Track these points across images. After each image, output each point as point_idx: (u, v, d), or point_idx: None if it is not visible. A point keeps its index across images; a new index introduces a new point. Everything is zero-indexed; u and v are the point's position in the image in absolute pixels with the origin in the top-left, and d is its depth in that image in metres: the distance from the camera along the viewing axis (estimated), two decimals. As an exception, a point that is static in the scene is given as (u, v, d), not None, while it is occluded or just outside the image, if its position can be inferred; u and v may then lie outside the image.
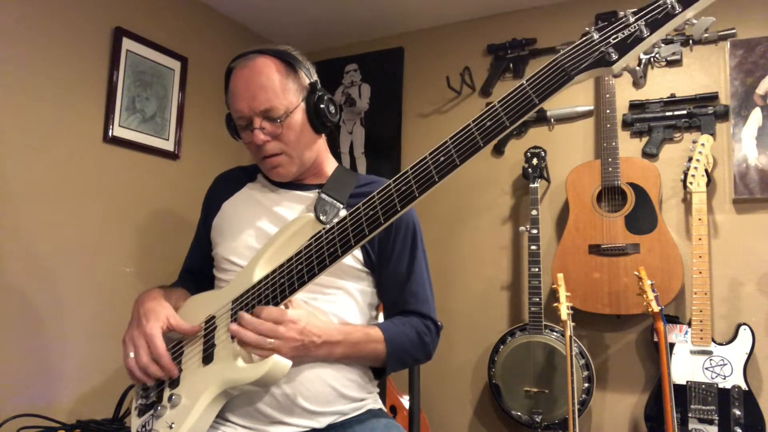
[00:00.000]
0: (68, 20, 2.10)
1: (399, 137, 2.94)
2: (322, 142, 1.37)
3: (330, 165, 1.40)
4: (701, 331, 2.10)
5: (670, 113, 2.38)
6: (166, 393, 1.17)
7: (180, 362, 1.19)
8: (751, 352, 2.06)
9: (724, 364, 2.06)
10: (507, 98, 0.94)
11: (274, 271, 1.13)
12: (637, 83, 0.87)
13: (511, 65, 2.73)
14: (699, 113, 2.32)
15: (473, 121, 0.96)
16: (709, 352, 2.08)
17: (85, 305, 2.12)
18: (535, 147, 2.48)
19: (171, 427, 1.10)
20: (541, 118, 2.63)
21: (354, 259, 1.25)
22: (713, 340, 2.09)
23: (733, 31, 2.28)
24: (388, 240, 1.28)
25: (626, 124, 2.46)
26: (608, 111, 2.35)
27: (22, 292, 1.93)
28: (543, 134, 2.64)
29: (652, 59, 0.93)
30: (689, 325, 2.13)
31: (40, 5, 2.00)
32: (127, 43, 2.29)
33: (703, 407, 2.05)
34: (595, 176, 2.35)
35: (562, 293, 2.15)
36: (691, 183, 2.17)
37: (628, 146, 2.45)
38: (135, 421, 1.22)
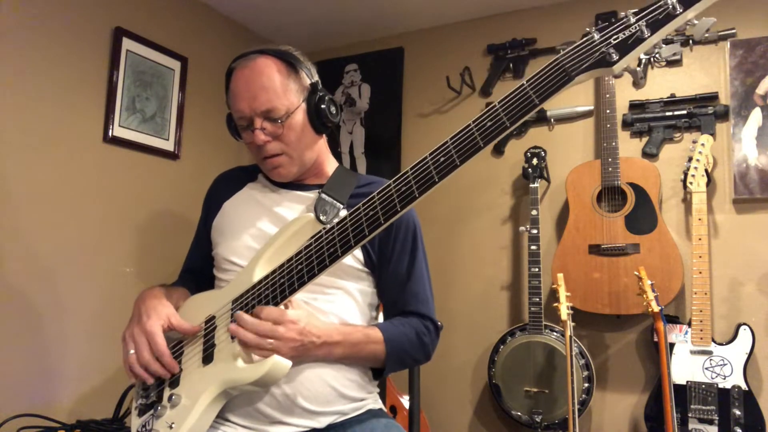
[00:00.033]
0: (68, 20, 2.09)
1: (399, 137, 2.94)
2: (322, 143, 1.37)
3: (330, 165, 1.40)
4: (701, 331, 2.10)
5: (670, 113, 2.38)
6: (166, 393, 1.17)
7: (180, 362, 1.19)
8: (751, 352, 2.06)
9: (724, 364, 2.06)
10: (507, 99, 0.94)
11: (274, 272, 1.13)
12: (638, 83, 0.87)
13: (511, 65, 2.73)
14: (699, 113, 2.32)
15: (473, 122, 0.96)
16: (709, 352, 2.08)
17: (85, 305, 2.12)
18: (535, 147, 2.48)
19: (171, 427, 1.10)
20: (541, 118, 2.63)
21: (354, 259, 1.25)
22: (713, 340, 2.09)
23: (733, 31, 2.28)
24: (389, 240, 1.28)
25: (626, 124, 2.46)
26: (608, 111, 2.35)
27: (22, 292, 1.93)
28: (543, 134, 2.64)
29: (652, 59, 0.93)
30: (689, 325, 2.13)
31: (40, 5, 2.00)
32: (127, 43, 2.29)
33: (703, 407, 2.05)
34: (595, 176, 2.35)
35: (562, 293, 2.15)
36: (691, 183, 2.17)
37: (628, 146, 2.45)
38: (135, 421, 1.22)
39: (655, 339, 2.06)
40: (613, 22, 0.90)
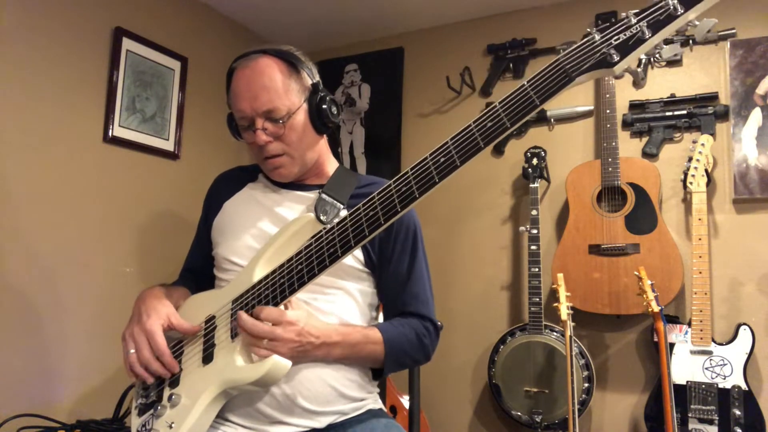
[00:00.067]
0: (68, 20, 2.09)
1: (399, 137, 2.94)
2: (323, 143, 1.37)
3: (331, 165, 1.40)
4: (701, 331, 2.10)
5: (670, 113, 2.38)
6: (166, 392, 1.17)
7: (180, 362, 1.19)
8: (751, 352, 2.06)
9: (724, 364, 2.06)
10: (508, 99, 0.94)
11: (274, 272, 1.13)
12: (639, 84, 0.87)
13: (511, 65, 2.73)
14: (699, 113, 2.32)
15: (474, 122, 0.96)
16: (709, 352, 2.08)
17: (85, 305, 2.12)
18: (535, 147, 2.48)
19: (171, 427, 1.10)
20: (541, 118, 2.63)
21: (354, 259, 1.25)
22: (713, 340, 2.09)
23: (733, 31, 2.28)
24: (389, 241, 1.28)
25: (626, 124, 2.46)
26: (608, 111, 2.35)
27: (22, 292, 1.93)
28: (543, 134, 2.64)
29: (652, 59, 0.93)
30: (689, 325, 2.13)
31: (40, 5, 2.00)
32: (127, 43, 2.29)
33: (703, 407, 2.05)
34: (595, 176, 2.35)
35: (562, 293, 2.15)
36: (691, 183, 2.17)
37: (628, 146, 2.45)
38: (135, 421, 1.22)
39: (655, 339, 2.06)
40: (614, 23, 0.90)
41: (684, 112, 2.35)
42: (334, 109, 1.30)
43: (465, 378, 2.66)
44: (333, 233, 1.07)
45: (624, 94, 2.46)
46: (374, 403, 1.31)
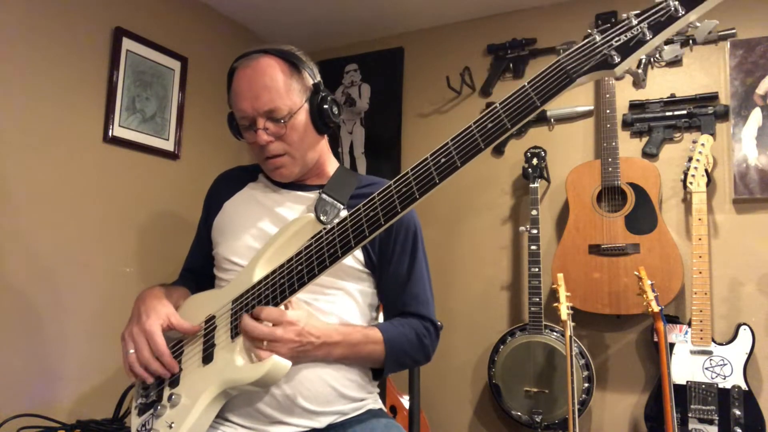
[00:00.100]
0: (68, 20, 2.09)
1: (399, 137, 2.94)
2: (324, 143, 1.37)
3: (331, 165, 1.40)
4: (701, 331, 2.10)
5: (670, 113, 2.38)
6: (166, 392, 1.17)
7: (180, 361, 1.19)
8: (751, 352, 2.06)
9: (724, 364, 2.06)
10: (508, 100, 0.94)
11: (274, 272, 1.13)
12: (640, 85, 0.86)
13: (511, 65, 2.73)
14: (699, 113, 2.32)
15: (474, 123, 0.96)
16: (709, 352, 2.09)
17: (85, 305, 2.12)
18: (535, 147, 2.48)
19: (171, 427, 1.10)
20: (541, 118, 2.63)
21: (354, 259, 1.25)
22: (713, 340, 2.09)
23: (733, 31, 2.28)
24: (389, 241, 1.28)
25: (626, 124, 2.46)
26: (608, 111, 2.35)
27: (22, 292, 1.93)
28: (543, 134, 2.64)
29: (652, 60, 0.93)
30: (689, 325, 2.13)
31: (40, 5, 2.00)
32: (127, 43, 2.29)
33: (703, 407, 2.05)
34: (595, 176, 2.35)
35: (562, 293, 2.15)
36: (691, 183, 2.17)
37: (628, 146, 2.45)
38: (135, 420, 1.22)
39: (655, 339, 2.06)
40: (615, 24, 0.89)
41: (684, 112, 2.35)
42: (335, 109, 1.30)
43: (465, 378, 2.67)
44: (333, 234, 1.07)
45: (624, 94, 2.46)
46: (374, 403, 1.31)
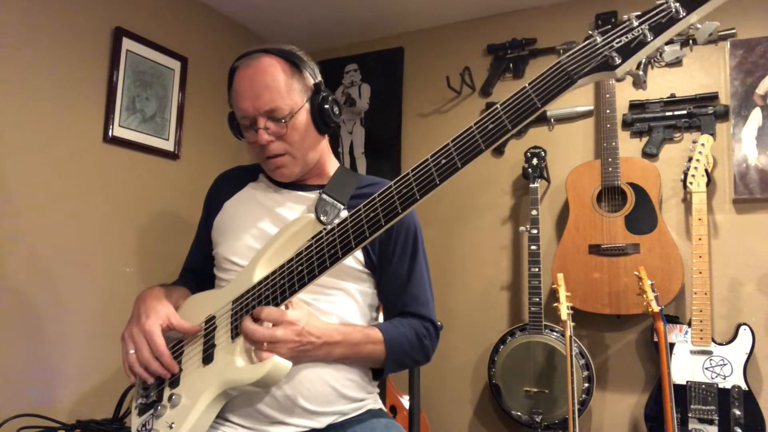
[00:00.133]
0: (68, 20, 2.09)
1: (399, 137, 2.94)
2: (325, 143, 1.37)
3: (332, 165, 1.39)
4: (701, 331, 2.10)
5: (670, 113, 2.38)
6: (166, 392, 1.17)
7: (180, 362, 1.19)
8: (751, 352, 2.06)
9: (724, 364, 2.06)
10: (509, 101, 0.93)
11: (274, 272, 1.13)
12: (641, 86, 0.86)
13: (511, 65, 2.72)
14: (699, 113, 2.32)
15: (475, 124, 0.95)
16: (709, 352, 2.09)
17: (85, 305, 2.12)
18: (535, 147, 2.48)
19: (171, 427, 1.10)
20: (541, 118, 2.63)
21: (355, 260, 1.25)
22: (713, 340, 2.09)
23: (733, 31, 2.28)
24: (389, 242, 1.28)
25: (626, 124, 2.46)
26: (608, 111, 2.35)
27: (22, 292, 1.93)
28: (543, 134, 2.64)
29: (652, 60, 0.93)
30: (689, 325, 2.13)
31: (40, 5, 2.00)
32: (127, 43, 2.28)
33: (703, 407, 2.05)
34: (595, 176, 2.35)
35: (562, 293, 2.15)
36: (691, 183, 2.17)
37: (628, 146, 2.45)
38: (135, 420, 1.22)
39: (655, 339, 2.06)
40: (616, 25, 0.89)
41: (684, 112, 2.35)
42: (336, 109, 1.30)
43: (465, 378, 2.67)
44: (333, 234, 1.07)
45: (624, 94, 2.46)
46: (374, 403, 1.31)
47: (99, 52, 2.21)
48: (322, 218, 1.19)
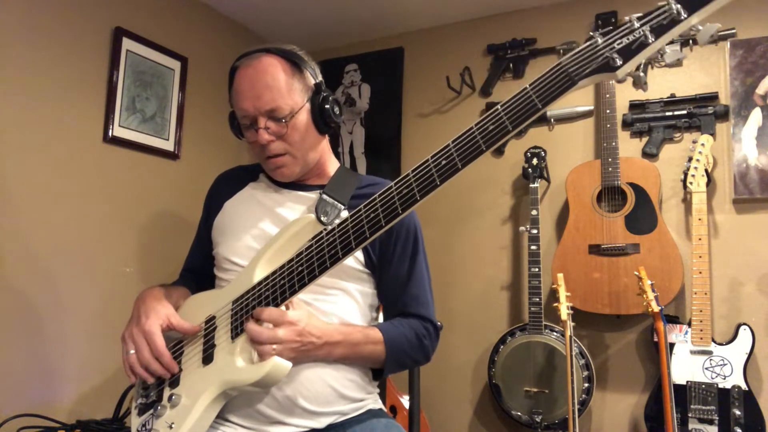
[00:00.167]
0: (68, 20, 2.09)
1: (399, 137, 2.94)
2: (325, 143, 1.37)
3: (332, 165, 1.39)
4: (701, 331, 2.10)
5: (670, 113, 2.38)
6: (166, 392, 1.17)
7: (180, 362, 1.19)
8: (751, 352, 2.06)
9: (724, 364, 2.06)
10: (510, 102, 0.93)
11: (274, 272, 1.12)
12: (642, 88, 0.86)
13: (511, 65, 2.72)
14: (699, 113, 2.32)
15: (476, 125, 0.95)
16: (709, 352, 2.09)
17: (85, 305, 2.12)
18: (535, 147, 2.48)
19: (171, 427, 1.10)
20: (541, 118, 2.62)
21: (355, 260, 1.25)
22: (713, 340, 2.09)
23: (733, 31, 2.28)
24: (389, 243, 1.28)
25: (626, 124, 2.46)
26: (608, 111, 2.35)
27: (22, 292, 1.93)
28: (543, 134, 2.64)
29: (652, 61, 0.93)
30: (689, 325, 2.13)
31: (40, 5, 2.00)
32: (127, 43, 2.28)
33: (703, 407, 2.05)
34: (595, 176, 2.35)
35: (562, 293, 2.15)
36: (691, 183, 2.17)
37: (628, 146, 2.45)
38: (135, 420, 1.22)
39: (655, 339, 2.07)
40: (617, 27, 0.89)
41: (684, 112, 2.35)
42: (336, 109, 1.30)
43: (465, 378, 2.67)
44: (334, 235, 1.07)
45: (624, 94, 2.46)
46: (374, 403, 1.31)
47: (99, 52, 2.21)
48: (322, 218, 1.19)
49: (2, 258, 1.88)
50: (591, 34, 0.90)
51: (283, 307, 1.10)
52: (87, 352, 2.11)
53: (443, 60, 2.89)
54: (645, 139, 2.43)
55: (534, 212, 2.38)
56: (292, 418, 1.15)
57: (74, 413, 2.03)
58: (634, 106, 2.45)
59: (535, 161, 2.44)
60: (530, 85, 0.93)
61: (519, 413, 2.31)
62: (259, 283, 1.14)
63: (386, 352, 1.23)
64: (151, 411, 1.18)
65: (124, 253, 2.29)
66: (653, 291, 2.02)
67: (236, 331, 1.12)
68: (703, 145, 2.19)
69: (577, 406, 2.08)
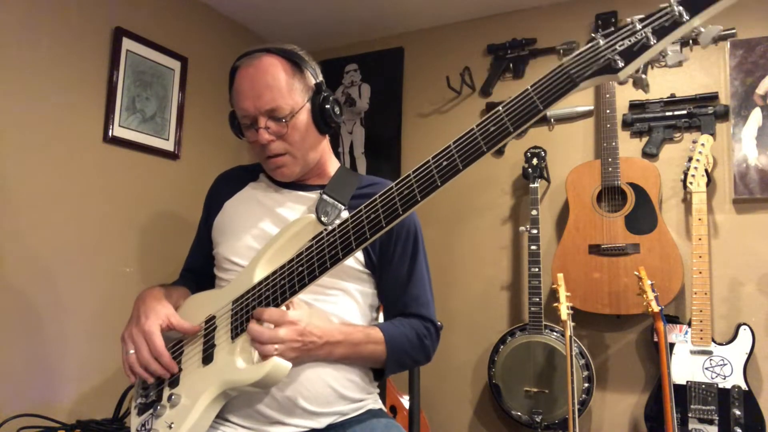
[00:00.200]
0: (68, 20, 2.09)
1: (399, 137, 2.94)
2: (325, 143, 1.37)
3: (332, 165, 1.39)
4: (701, 331, 2.10)
5: (670, 113, 2.38)
6: (166, 392, 1.17)
7: (180, 362, 1.19)
8: (751, 352, 2.06)
9: (724, 364, 2.06)
10: (511, 103, 0.94)
11: (274, 272, 1.12)
12: (643, 89, 0.85)
13: (511, 65, 2.72)
14: (699, 113, 2.32)
15: (477, 126, 0.95)
16: (709, 352, 2.09)
17: (85, 305, 2.12)
18: (535, 147, 2.48)
19: (170, 427, 1.10)
20: (542, 119, 2.60)
21: (355, 260, 1.25)
22: (713, 340, 2.10)
23: (733, 31, 2.27)
24: (390, 243, 1.28)
25: (626, 124, 2.46)
26: (608, 111, 2.35)
27: (22, 292, 1.93)
28: (543, 134, 2.64)
29: (653, 62, 0.93)
30: (689, 325, 2.13)
31: (40, 5, 2.00)
32: (127, 43, 2.28)
33: (703, 407, 2.05)
34: (595, 176, 2.35)
35: (562, 293, 2.15)
36: (691, 183, 2.17)
37: (628, 146, 2.45)
38: (134, 420, 1.22)
39: (655, 339, 2.07)
40: (619, 28, 0.89)
41: (684, 112, 2.35)
42: (337, 109, 1.30)
43: (465, 378, 2.67)
44: (334, 235, 1.07)
45: (624, 94, 2.46)
46: (374, 403, 1.31)
47: (99, 52, 2.21)
48: (322, 219, 1.19)
49: (2, 258, 1.88)
50: (593, 35, 0.90)
51: (283, 307, 1.10)
52: (87, 352, 2.11)
53: (443, 60, 2.88)
54: (645, 139, 2.43)
55: (534, 212, 2.38)
56: (292, 418, 1.15)
57: (74, 413, 2.03)
58: (634, 106, 2.45)
59: (535, 161, 2.44)
60: (532, 87, 0.93)
61: (519, 413, 2.31)
62: (260, 283, 1.14)
63: (387, 352, 1.23)
64: (151, 411, 1.18)
65: (124, 253, 2.29)
66: (653, 291, 2.02)
67: (236, 331, 1.12)
68: (703, 145, 2.19)
69: (577, 406, 2.08)
